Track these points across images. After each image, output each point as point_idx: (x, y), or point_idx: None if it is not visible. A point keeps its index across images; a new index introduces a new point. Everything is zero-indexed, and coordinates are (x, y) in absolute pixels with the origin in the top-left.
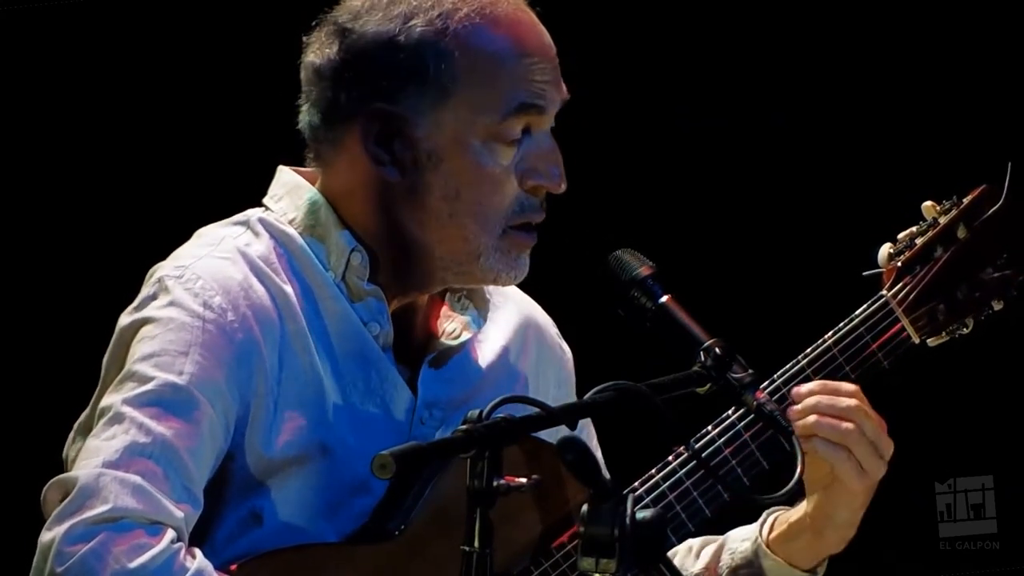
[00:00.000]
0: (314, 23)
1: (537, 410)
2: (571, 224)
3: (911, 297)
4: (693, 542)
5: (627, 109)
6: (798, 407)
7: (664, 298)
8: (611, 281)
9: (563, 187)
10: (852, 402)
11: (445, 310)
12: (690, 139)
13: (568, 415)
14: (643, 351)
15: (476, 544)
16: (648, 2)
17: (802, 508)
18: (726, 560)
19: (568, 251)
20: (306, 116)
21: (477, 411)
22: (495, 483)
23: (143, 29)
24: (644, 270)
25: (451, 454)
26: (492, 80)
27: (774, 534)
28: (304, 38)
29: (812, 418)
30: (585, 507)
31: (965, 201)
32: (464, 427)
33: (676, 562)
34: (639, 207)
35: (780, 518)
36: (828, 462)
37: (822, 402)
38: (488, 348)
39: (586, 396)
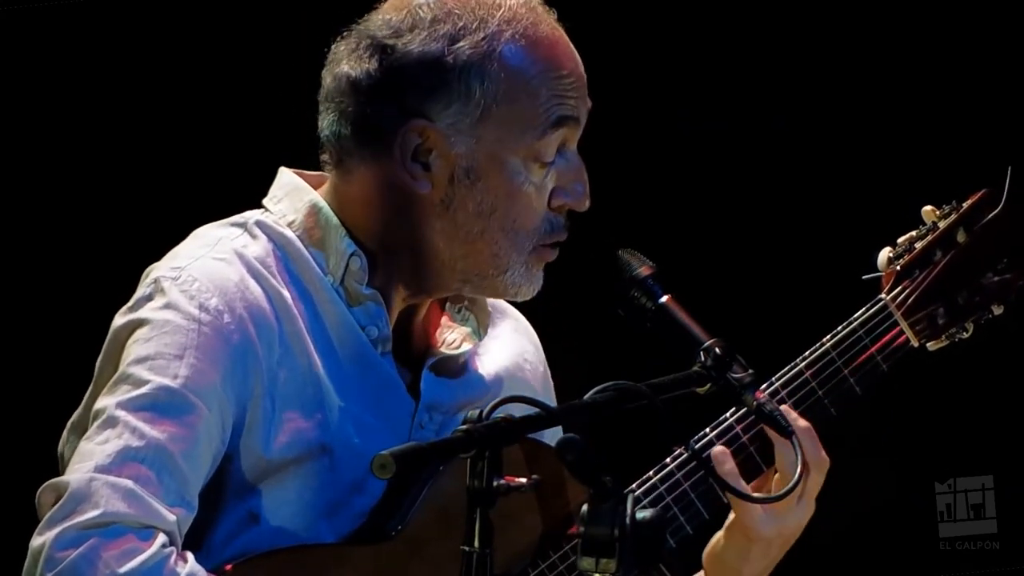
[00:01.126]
0: (343, 33)
1: (537, 410)
2: (572, 224)
3: (910, 301)
4: None
5: (628, 111)
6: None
7: (664, 298)
8: (611, 281)
9: (587, 205)
10: (825, 456)
11: (446, 320)
12: (691, 141)
13: (568, 415)
14: (643, 351)
15: (476, 544)
16: (649, 5)
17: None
18: None
19: (569, 251)
20: (334, 126)
21: (477, 411)
22: (495, 483)
23: (143, 30)
24: (644, 270)
25: (451, 454)
26: (533, 99)
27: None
28: (333, 48)
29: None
30: (585, 507)
31: (965, 205)
32: (464, 427)
33: None
34: (639, 208)
35: None
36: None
37: (808, 431)
38: (488, 360)
39: (586, 396)
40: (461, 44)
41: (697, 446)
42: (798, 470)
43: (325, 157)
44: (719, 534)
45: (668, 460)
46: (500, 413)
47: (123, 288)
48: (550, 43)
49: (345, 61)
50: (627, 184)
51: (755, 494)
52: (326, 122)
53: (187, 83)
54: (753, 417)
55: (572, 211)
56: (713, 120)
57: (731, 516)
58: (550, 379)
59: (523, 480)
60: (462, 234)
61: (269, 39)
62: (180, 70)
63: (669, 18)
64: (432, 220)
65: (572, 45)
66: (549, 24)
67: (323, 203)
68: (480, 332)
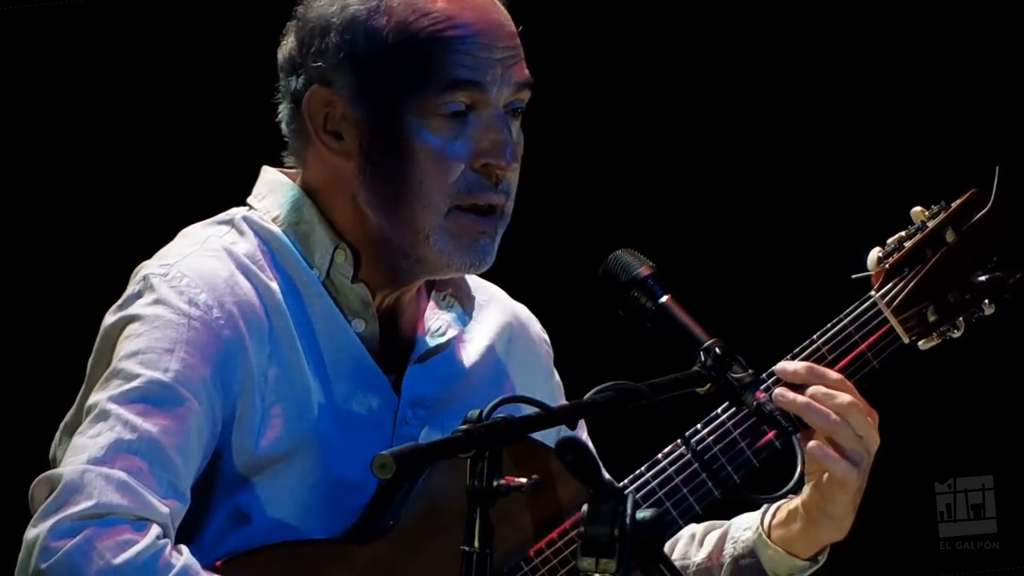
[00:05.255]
0: (286, 24)
1: (537, 410)
2: (571, 224)
3: (900, 298)
4: (696, 528)
5: (627, 109)
6: (785, 392)
7: (664, 298)
8: (611, 281)
9: (513, 167)
10: (847, 398)
11: (431, 307)
12: (690, 140)
13: (568, 415)
14: (643, 351)
15: (476, 544)
16: (652, 7)
17: (799, 498)
18: (729, 549)
19: (568, 251)
20: (282, 114)
21: (477, 411)
22: (495, 483)
23: (134, 31)
24: (644, 270)
25: (451, 454)
26: (426, 56)
27: (775, 522)
28: (280, 40)
29: (804, 399)
30: (585, 507)
31: (953, 205)
32: (464, 427)
33: (679, 549)
34: (639, 207)
35: (781, 507)
36: (818, 460)
37: (817, 393)
38: (473, 347)
39: (586, 396)
40: (349, 1)
41: (697, 447)
42: (799, 469)
43: (287, 153)
44: (811, 491)
45: (659, 456)
46: (500, 412)
47: (113, 289)
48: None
49: (279, 49)
50: (627, 184)
51: (758, 496)
52: (280, 116)
53: (174, 83)
54: (745, 415)
55: (502, 174)
56: (712, 118)
57: (802, 495)
58: (547, 345)
59: (523, 480)
60: (383, 203)
61: (257, 39)
62: (167, 71)
63: (666, 14)
64: (361, 193)
65: (493, 7)
66: None
67: (304, 197)
68: (465, 318)
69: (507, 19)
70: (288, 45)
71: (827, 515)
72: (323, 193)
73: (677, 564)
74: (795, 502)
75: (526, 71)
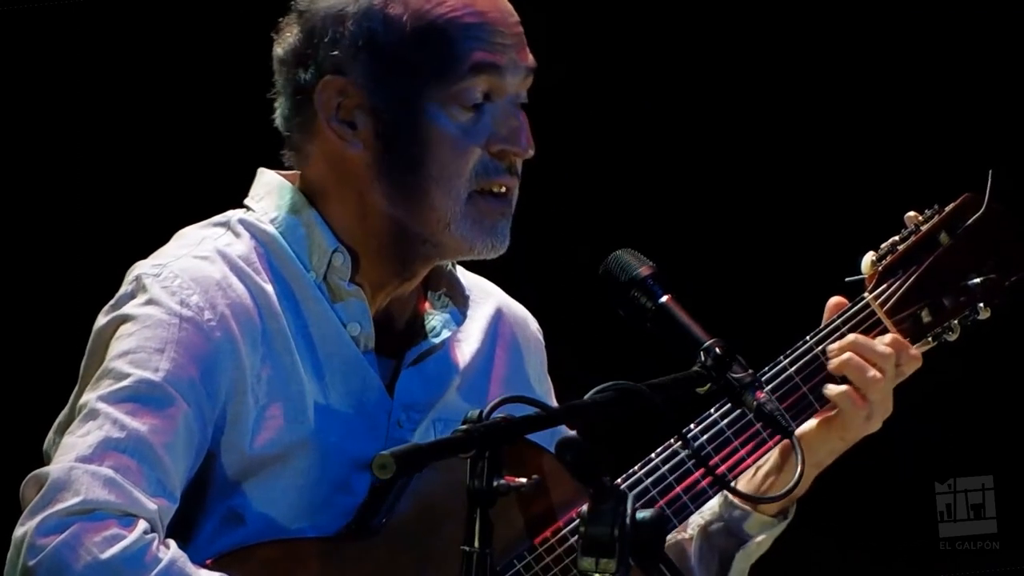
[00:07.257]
0: (280, 20)
1: (536, 410)
2: (571, 224)
3: (893, 300)
4: None
5: (628, 110)
6: (833, 349)
7: (664, 298)
8: (611, 281)
9: (530, 152)
10: (887, 350)
11: (427, 307)
12: (690, 140)
13: (568, 415)
14: (643, 351)
15: (476, 544)
16: (659, 11)
17: (775, 449)
18: (695, 519)
19: (568, 251)
20: (280, 109)
21: (477, 411)
22: (495, 483)
23: (131, 32)
24: (644, 270)
25: (451, 454)
26: (445, 42)
27: (740, 483)
28: (273, 35)
29: (844, 356)
30: (585, 507)
31: (947, 209)
32: (464, 427)
33: None
34: (639, 207)
35: (746, 470)
36: (841, 403)
37: (857, 345)
38: (467, 347)
39: (586, 396)
40: None
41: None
42: (799, 468)
43: (287, 150)
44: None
45: (652, 455)
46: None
47: (108, 290)
48: None
49: (277, 42)
50: (627, 184)
51: (759, 495)
52: (277, 112)
53: (171, 84)
54: (739, 414)
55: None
56: (712, 121)
57: (819, 421)
58: (536, 353)
59: (523, 480)
60: (401, 192)
61: (252, 40)
62: (163, 71)
63: (670, 15)
64: (374, 184)
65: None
66: None
67: (303, 199)
68: (459, 317)
69: (511, 8)
70: (290, 38)
71: (811, 460)
72: (324, 191)
73: None
74: (769, 457)
75: (531, 57)
